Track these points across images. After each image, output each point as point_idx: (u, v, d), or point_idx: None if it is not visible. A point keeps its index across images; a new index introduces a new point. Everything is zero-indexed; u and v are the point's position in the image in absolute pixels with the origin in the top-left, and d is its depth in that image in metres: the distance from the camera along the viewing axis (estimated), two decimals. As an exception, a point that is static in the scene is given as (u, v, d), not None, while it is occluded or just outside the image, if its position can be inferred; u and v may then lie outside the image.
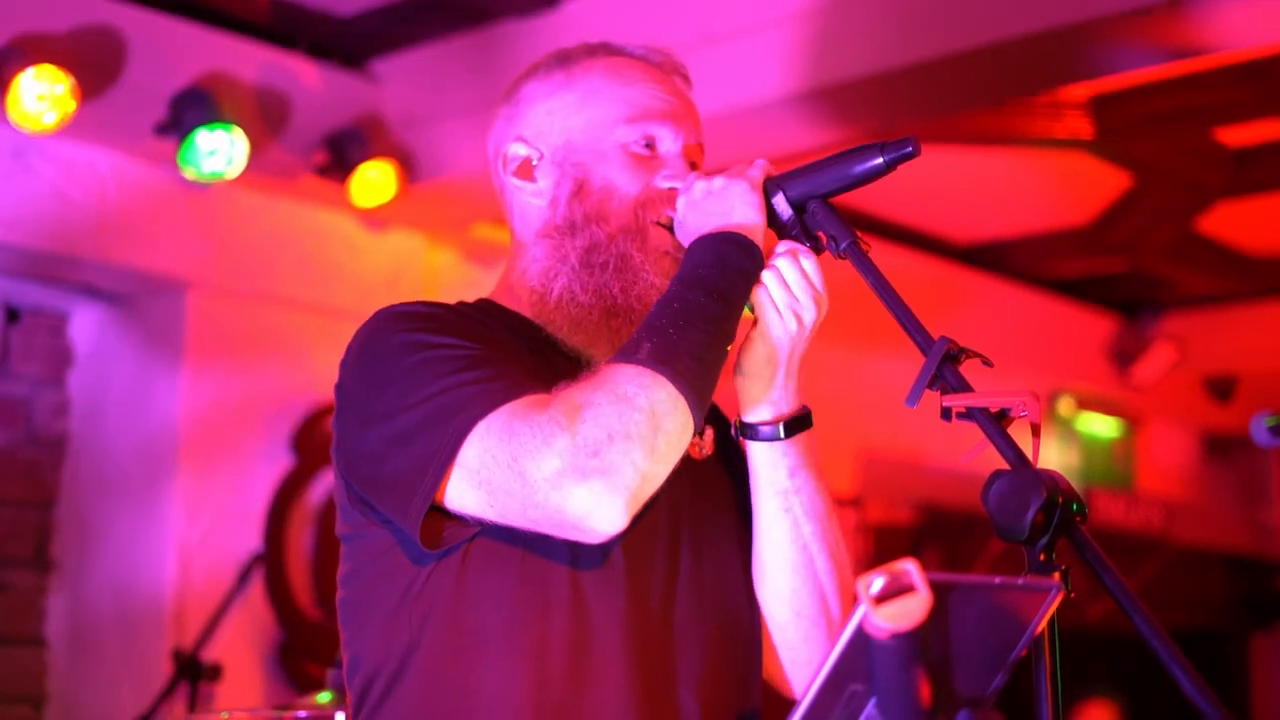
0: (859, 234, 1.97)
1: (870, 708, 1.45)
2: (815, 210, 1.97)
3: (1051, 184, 5.78)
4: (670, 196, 2.03)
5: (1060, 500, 1.58)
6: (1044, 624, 1.54)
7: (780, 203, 1.98)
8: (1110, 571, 1.56)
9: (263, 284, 4.74)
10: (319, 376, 4.82)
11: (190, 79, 4.31)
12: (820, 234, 1.97)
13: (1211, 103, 4.92)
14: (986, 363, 1.84)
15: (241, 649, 4.53)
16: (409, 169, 4.66)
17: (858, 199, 5.93)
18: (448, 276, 5.14)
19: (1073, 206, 5.98)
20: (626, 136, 2.05)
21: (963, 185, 5.87)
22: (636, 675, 1.89)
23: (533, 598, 1.87)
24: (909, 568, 1.38)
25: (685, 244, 1.97)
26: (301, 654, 4.63)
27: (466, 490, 1.79)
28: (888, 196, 6.00)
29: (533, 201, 2.07)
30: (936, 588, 1.38)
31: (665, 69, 2.13)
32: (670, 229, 2.02)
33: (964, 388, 1.75)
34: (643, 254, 2.02)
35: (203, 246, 4.61)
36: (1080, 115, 5.05)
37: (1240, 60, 4.53)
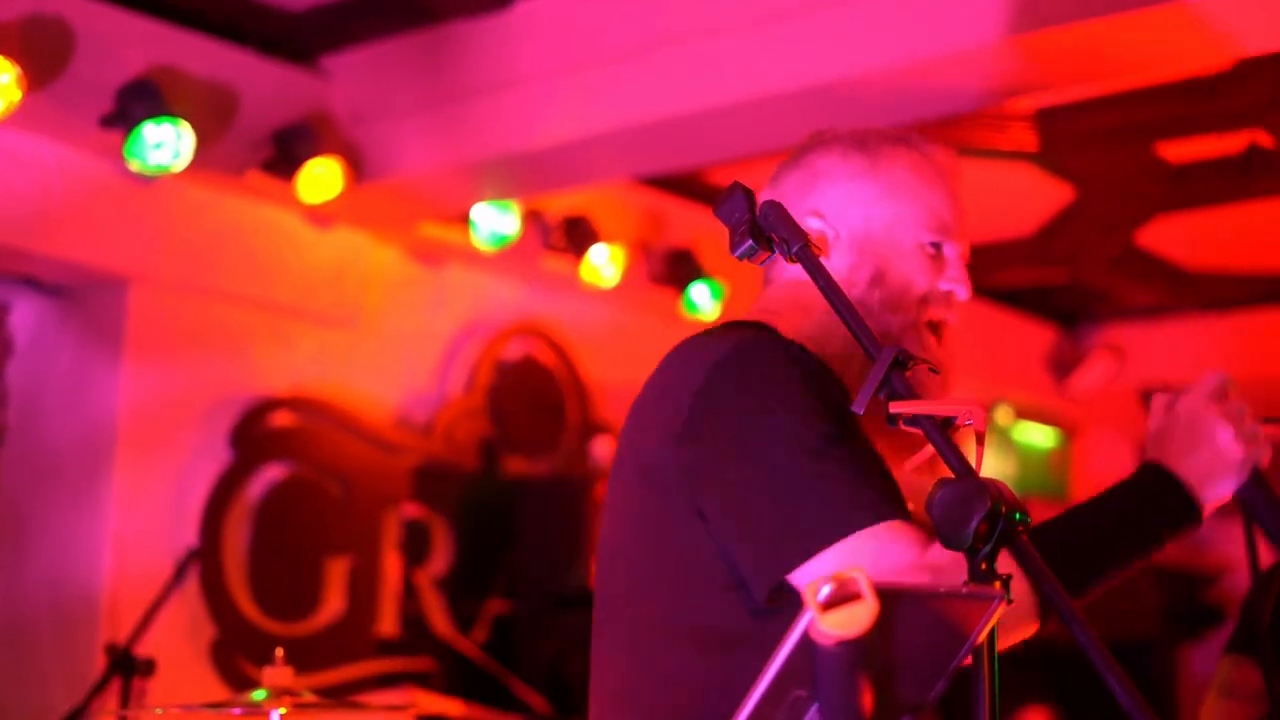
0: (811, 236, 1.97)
1: (812, 713, 1.46)
2: (769, 213, 1.97)
3: (995, 195, 5.82)
4: (948, 298, 2.20)
5: (1003, 510, 1.60)
6: (985, 632, 1.55)
7: (739, 208, 1.97)
8: (1050, 581, 1.58)
9: (206, 278, 4.71)
10: (260, 372, 4.80)
11: (138, 71, 4.28)
12: (773, 235, 1.97)
13: (1153, 118, 4.97)
14: (934, 370, 1.87)
15: (176, 645, 4.51)
16: (356, 166, 4.65)
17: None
18: (391, 274, 5.13)
19: (1016, 217, 6.02)
20: (924, 238, 2.19)
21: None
22: None
23: None
24: (856, 575, 1.39)
25: (1155, 439, 2.09)
26: (236, 650, 4.61)
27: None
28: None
29: None
30: (882, 595, 1.39)
31: (954, 173, 2.28)
32: (936, 330, 2.19)
33: (911, 395, 1.76)
34: (916, 350, 2.10)
35: (146, 240, 4.58)
36: (1025, 127, 5.09)
37: (1182, 78, 4.58)
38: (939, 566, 1.83)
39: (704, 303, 5.55)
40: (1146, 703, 1.53)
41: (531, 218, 5.28)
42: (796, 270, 2.13)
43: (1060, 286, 6.93)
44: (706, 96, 4.16)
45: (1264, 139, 5.11)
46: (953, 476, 1.66)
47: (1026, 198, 5.75)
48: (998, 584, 1.59)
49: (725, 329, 2.15)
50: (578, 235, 5.32)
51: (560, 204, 5.36)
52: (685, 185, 5.64)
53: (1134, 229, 6.07)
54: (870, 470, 1.96)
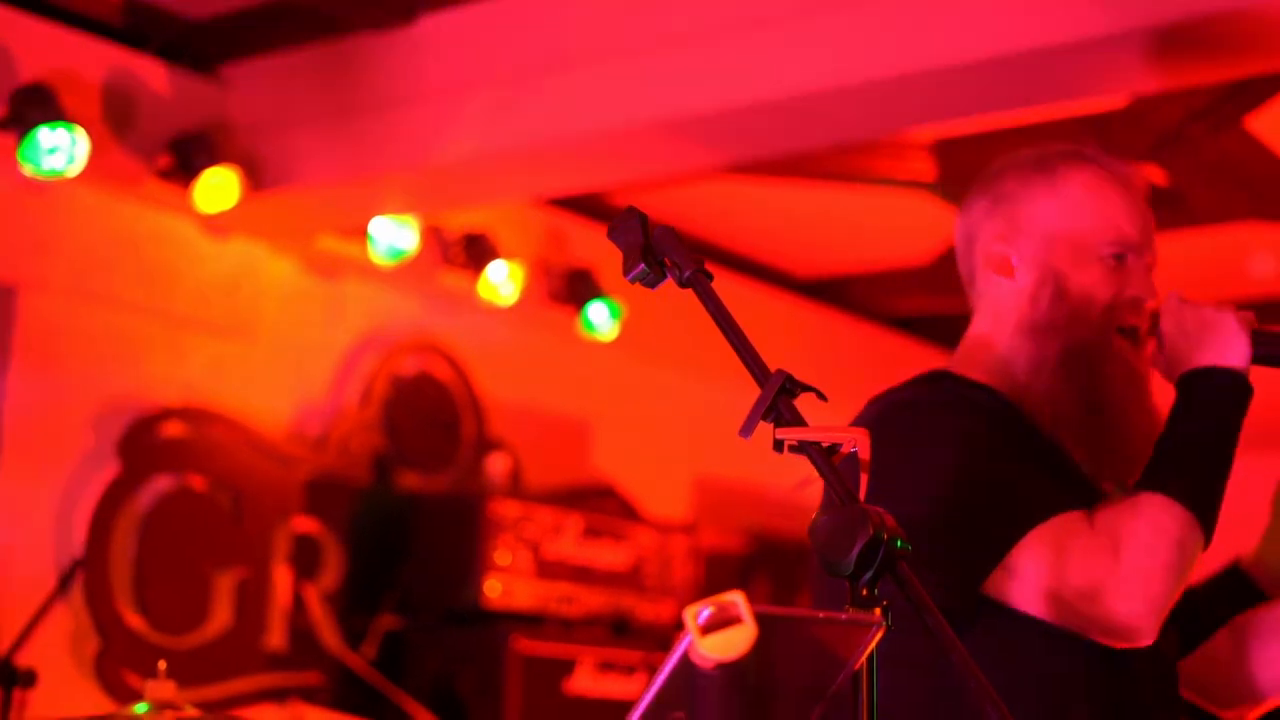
0: (704, 263, 1.99)
1: (691, 736, 1.47)
2: (661, 237, 1.98)
3: (894, 223, 5.87)
4: (1135, 305, 2.29)
5: (885, 537, 1.62)
6: (864, 658, 1.57)
7: (633, 231, 1.98)
8: (930, 610, 1.60)
9: (99, 286, 4.66)
10: (152, 382, 4.75)
11: (34, 75, 4.23)
12: (665, 260, 1.98)
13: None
14: (821, 397, 1.90)
15: (59, 656, 4.44)
16: (254, 177, 4.62)
17: (703, 228, 5.98)
18: (288, 286, 5.10)
19: (914, 246, 6.09)
20: (1104, 251, 2.29)
21: (806, 220, 5.95)
22: None
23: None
24: (736, 599, 1.41)
25: (1169, 358, 2.25)
26: (120, 663, 4.55)
27: (1009, 585, 2.10)
28: (733, 228, 6.06)
29: (1010, 296, 2.33)
30: (761, 620, 1.41)
31: (1134, 186, 2.36)
32: (1129, 335, 2.28)
33: (797, 421, 1.78)
34: (1109, 359, 2.27)
35: (38, 246, 4.52)
36: (923, 157, 5.14)
37: (1080, 114, 4.65)
38: (1118, 532, 2.08)
39: (601, 322, 5.56)
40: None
41: (431, 233, 5.27)
42: (985, 307, 2.38)
43: (957, 315, 6.99)
44: (609, 117, 4.17)
45: (1157, 175, 5.19)
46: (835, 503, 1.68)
47: (924, 227, 5.81)
48: (878, 610, 1.61)
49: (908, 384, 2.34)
50: (477, 252, 5.31)
51: (460, 220, 5.35)
52: (586, 205, 5.65)
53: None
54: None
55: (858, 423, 2.26)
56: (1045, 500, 2.12)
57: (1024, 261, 2.33)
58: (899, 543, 1.62)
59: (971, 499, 2.12)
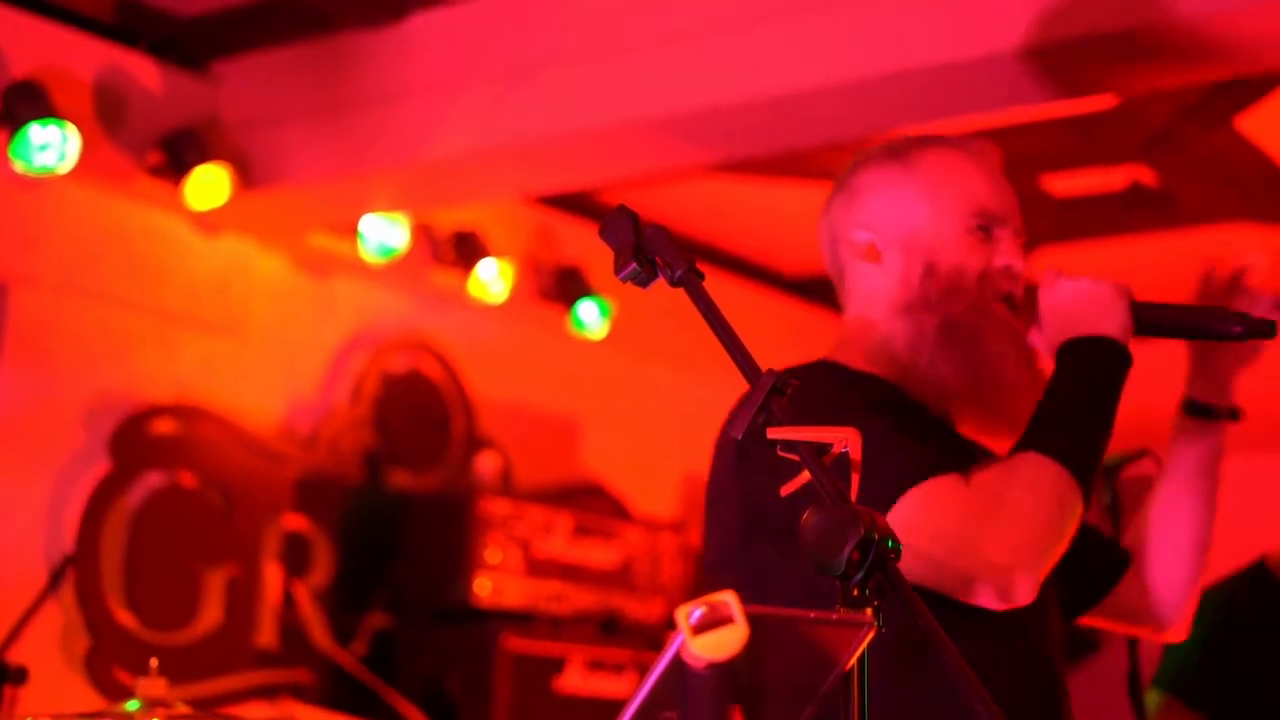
0: (696, 262, 2.00)
1: (682, 735, 1.47)
2: (653, 236, 1.99)
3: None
4: (1008, 272, 2.29)
5: (876, 537, 1.62)
6: (854, 659, 1.57)
7: (624, 230, 1.99)
8: (921, 611, 1.60)
9: (90, 282, 4.66)
10: (143, 378, 4.75)
11: (26, 72, 4.23)
12: (657, 259, 1.99)
13: (1038, 152, 5.05)
14: None
15: (49, 653, 4.44)
16: (244, 174, 4.61)
17: (693, 226, 5.99)
18: (279, 283, 5.09)
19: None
20: (967, 224, 2.30)
21: (796, 219, 5.94)
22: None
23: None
24: (728, 599, 1.41)
25: (1049, 331, 2.24)
26: (111, 660, 4.54)
27: None
28: (722, 226, 6.06)
29: (880, 281, 2.33)
30: (753, 620, 1.41)
31: (988, 159, 2.38)
32: (1008, 304, 2.29)
33: (788, 421, 1.78)
34: (989, 327, 2.26)
35: (29, 242, 4.52)
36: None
37: (1070, 114, 4.65)
38: (997, 491, 2.05)
39: (591, 321, 5.56)
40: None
41: (421, 231, 5.27)
42: (858, 296, 2.35)
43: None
44: (600, 115, 4.17)
45: (1146, 175, 5.20)
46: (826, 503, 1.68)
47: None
48: (869, 611, 1.61)
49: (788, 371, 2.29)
50: (467, 250, 5.31)
51: (450, 218, 5.35)
52: (577, 203, 5.65)
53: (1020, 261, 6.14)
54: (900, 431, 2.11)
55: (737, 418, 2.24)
56: (922, 463, 2.08)
57: (889, 245, 2.33)
58: (890, 543, 1.63)
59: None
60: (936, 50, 3.67)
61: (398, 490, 5.30)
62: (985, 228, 2.30)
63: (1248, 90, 4.53)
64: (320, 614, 5.06)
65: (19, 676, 4.01)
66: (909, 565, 1.98)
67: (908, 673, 2.05)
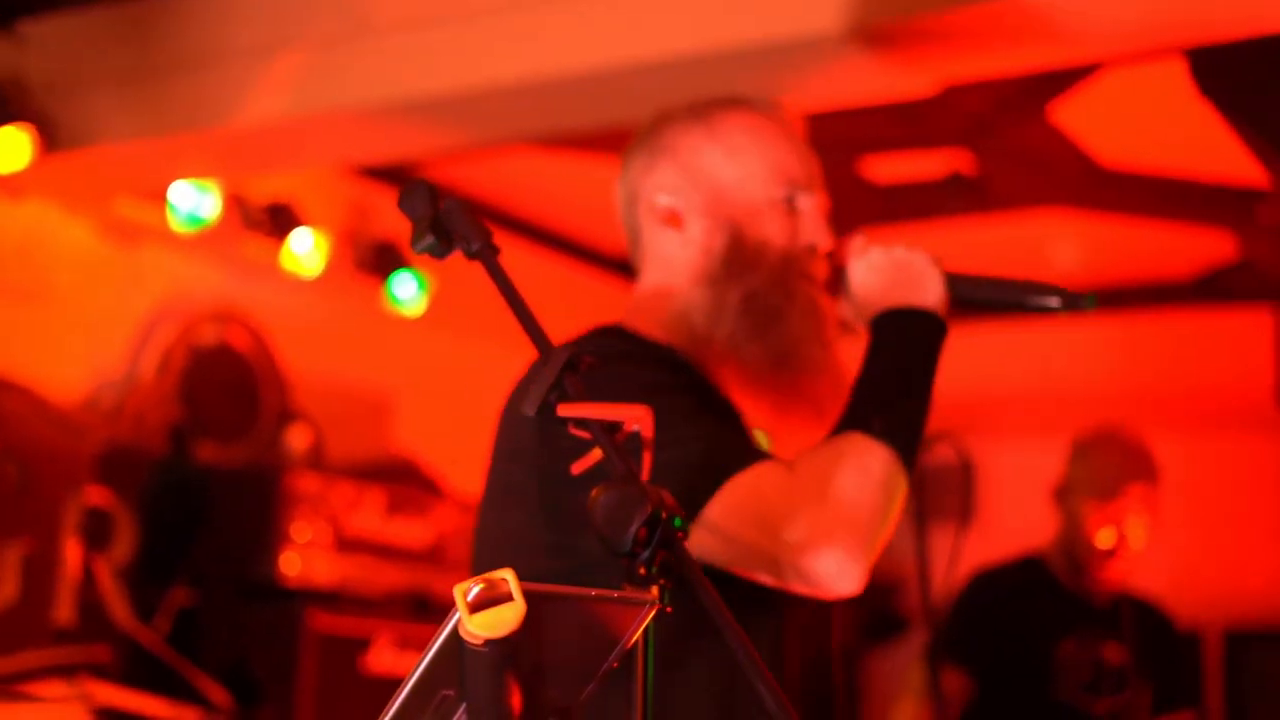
0: (493, 236, 1.96)
1: (460, 714, 1.44)
2: (451, 209, 1.95)
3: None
4: (812, 252, 2.23)
5: (664, 515, 1.60)
6: (637, 636, 1.55)
7: (422, 203, 1.95)
8: (707, 590, 1.58)
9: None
10: (-62, 347, 4.61)
11: None
12: (454, 232, 1.95)
13: (859, 136, 5.08)
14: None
15: None
16: (49, 136, 4.49)
17: (514, 202, 5.95)
18: (84, 251, 4.97)
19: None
20: (773, 193, 2.22)
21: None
22: None
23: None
24: (506, 576, 1.38)
25: (860, 300, 2.18)
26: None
27: (706, 539, 1.96)
28: (544, 203, 6.03)
29: (681, 249, 2.25)
30: (531, 597, 1.38)
31: (793, 126, 2.29)
32: (808, 278, 2.22)
33: (581, 398, 1.75)
34: (791, 305, 2.19)
35: None
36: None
37: (893, 100, 4.68)
38: (820, 475, 1.98)
39: (407, 294, 5.50)
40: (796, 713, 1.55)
41: (233, 201, 5.16)
42: (657, 263, 2.27)
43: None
44: (418, 86, 4.12)
45: (965, 162, 5.27)
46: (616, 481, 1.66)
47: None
48: (655, 589, 1.59)
49: (582, 338, 2.22)
50: (281, 221, 5.22)
51: (265, 188, 5.25)
52: (395, 175, 5.58)
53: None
54: (705, 418, 2.05)
55: (529, 380, 2.19)
56: (739, 452, 2.02)
57: (693, 212, 2.25)
58: (677, 521, 1.60)
59: (661, 454, 1.92)
60: (763, 28, 3.67)
61: (204, 464, 5.20)
62: (790, 197, 2.24)
63: (1062, 82, 4.60)
64: (121, 590, 4.95)
65: None
66: (732, 555, 1.98)
67: (695, 655, 2.03)
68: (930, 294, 2.15)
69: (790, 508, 1.96)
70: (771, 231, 2.22)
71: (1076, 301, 2.16)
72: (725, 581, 1.99)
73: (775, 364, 2.20)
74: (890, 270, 2.17)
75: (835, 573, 1.95)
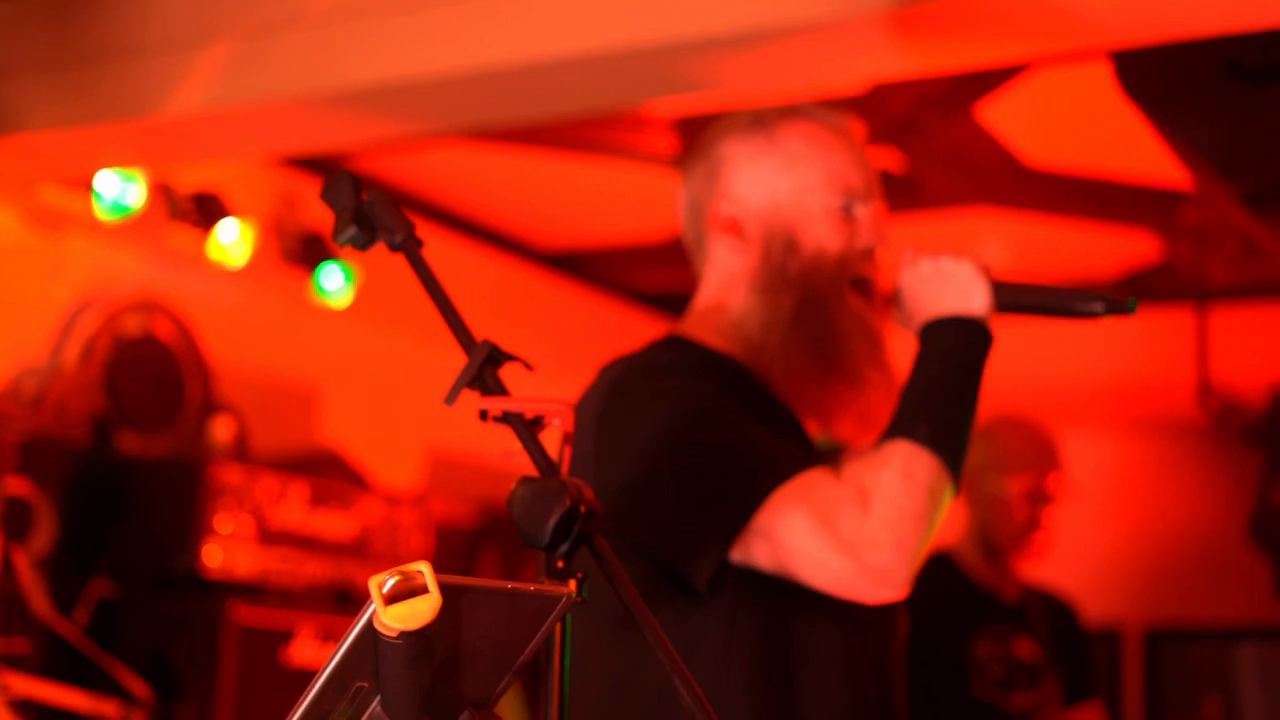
0: (415, 229, 1.96)
1: (375, 706, 1.44)
2: (375, 201, 1.95)
3: (637, 197, 5.89)
4: (867, 256, 2.30)
5: (582, 510, 1.60)
6: (554, 629, 1.55)
7: (346, 193, 1.95)
8: (624, 583, 1.59)
9: None
10: None
11: None
12: (377, 224, 1.95)
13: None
14: (528, 367, 1.88)
15: None
16: (-28, 123, 4.44)
17: (445, 195, 5.93)
18: (6, 240, 4.92)
19: (656, 221, 6.11)
20: (831, 202, 2.28)
21: (549, 191, 5.93)
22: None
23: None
24: (421, 568, 1.38)
25: (909, 309, 2.22)
26: None
27: (757, 547, 2.05)
28: (475, 196, 6.01)
29: (739, 257, 2.31)
30: (447, 590, 1.38)
31: (851, 136, 2.34)
32: (862, 288, 2.29)
33: (502, 391, 1.76)
34: (842, 312, 2.26)
35: None
36: (665, 133, 5.16)
37: (821, 97, 4.70)
38: (865, 483, 2.05)
39: (334, 286, 5.47)
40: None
41: (159, 190, 5.12)
42: (716, 270, 2.33)
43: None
44: (347, 77, 4.09)
45: (893, 160, 5.29)
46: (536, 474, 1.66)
47: (667, 202, 5.84)
48: (572, 582, 1.60)
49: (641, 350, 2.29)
50: (207, 210, 5.18)
51: (191, 178, 5.21)
52: (323, 166, 5.55)
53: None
54: (756, 430, 2.13)
55: (591, 390, 2.23)
56: (788, 459, 2.09)
57: (751, 221, 2.32)
58: (596, 514, 1.61)
59: (711, 461, 2.09)
60: (691, 26, 3.67)
61: (126, 455, 5.16)
62: (847, 206, 2.29)
63: (988, 81, 4.63)
64: (40, 581, 4.90)
65: None
66: (781, 560, 2.05)
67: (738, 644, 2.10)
68: (977, 302, 2.20)
69: (837, 514, 2.03)
70: (828, 240, 2.28)
71: (1120, 306, 2.21)
72: (777, 588, 2.05)
73: (824, 373, 2.26)
74: (938, 280, 2.22)
75: (880, 578, 2.03)
